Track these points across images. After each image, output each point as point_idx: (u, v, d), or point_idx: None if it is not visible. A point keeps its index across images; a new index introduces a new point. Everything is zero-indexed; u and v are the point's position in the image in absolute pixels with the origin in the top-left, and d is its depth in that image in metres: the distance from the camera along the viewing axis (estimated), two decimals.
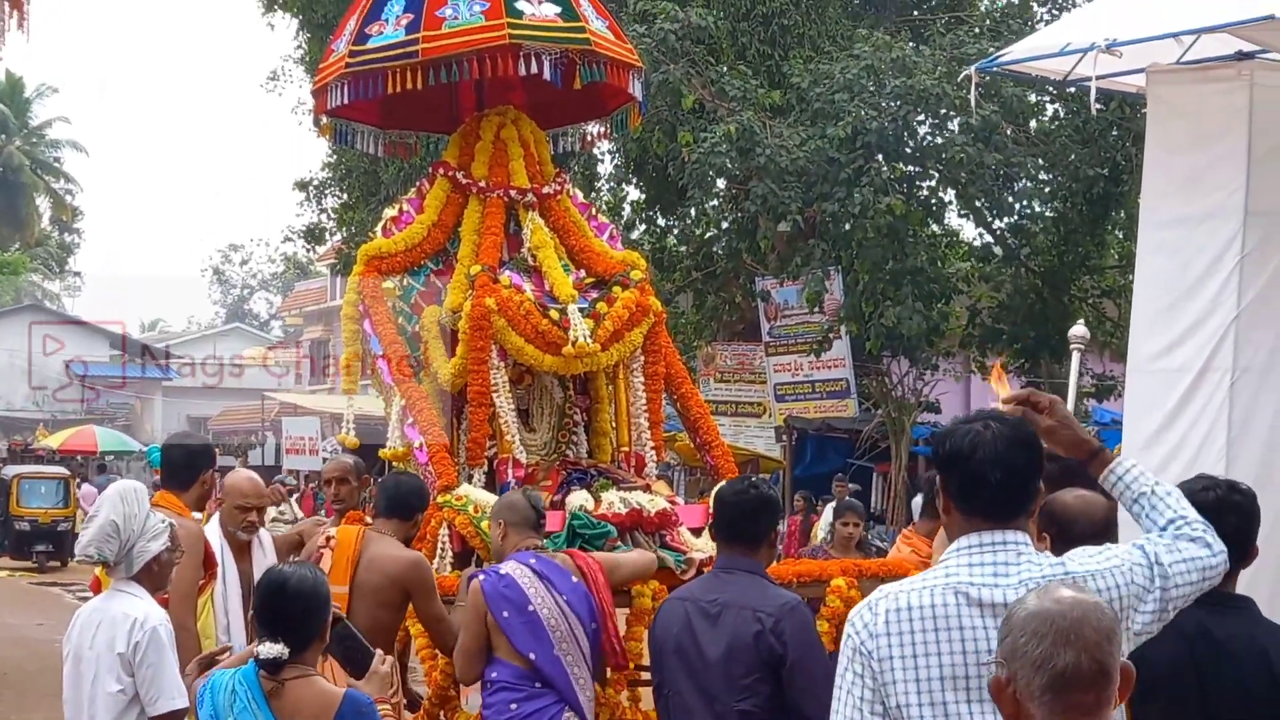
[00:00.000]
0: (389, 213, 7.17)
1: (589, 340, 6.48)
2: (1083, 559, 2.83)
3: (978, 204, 17.43)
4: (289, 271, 58.72)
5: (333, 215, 22.44)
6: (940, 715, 2.68)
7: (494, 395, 6.44)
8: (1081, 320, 6.32)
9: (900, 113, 15.07)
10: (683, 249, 19.93)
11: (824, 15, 17.71)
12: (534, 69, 6.68)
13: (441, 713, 5.51)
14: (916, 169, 16.56)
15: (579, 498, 6.29)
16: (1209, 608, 3.36)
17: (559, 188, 7.16)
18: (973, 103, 7.95)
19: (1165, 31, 5.30)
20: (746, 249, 17.23)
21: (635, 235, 19.43)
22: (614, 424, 7.07)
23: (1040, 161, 16.42)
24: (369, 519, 5.82)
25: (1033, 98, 16.97)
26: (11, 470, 24.89)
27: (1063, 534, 3.48)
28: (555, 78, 6.79)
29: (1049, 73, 6.10)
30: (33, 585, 20.80)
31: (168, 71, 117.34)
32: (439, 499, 5.96)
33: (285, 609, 3.62)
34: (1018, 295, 17.25)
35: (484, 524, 5.66)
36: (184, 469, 5.43)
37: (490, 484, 6.32)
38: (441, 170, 7.06)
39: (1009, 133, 15.69)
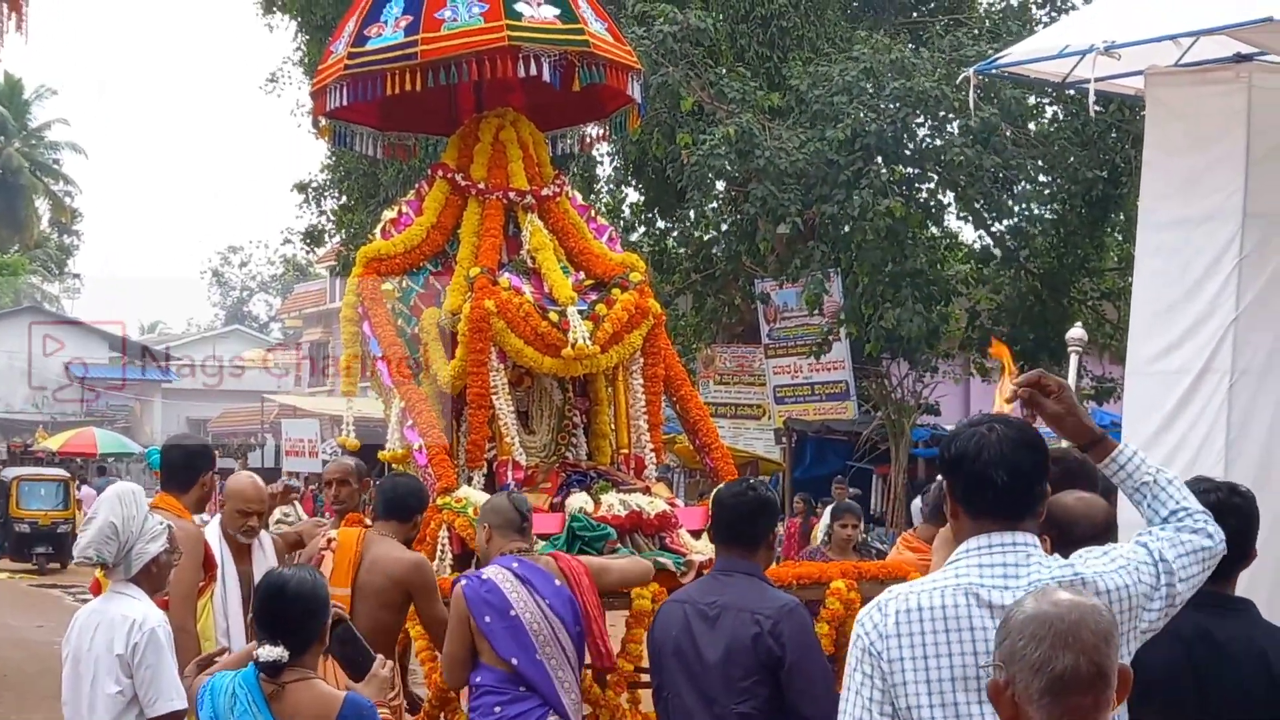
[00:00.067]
0: (388, 215, 7.16)
1: (588, 342, 6.48)
2: (1090, 560, 2.84)
3: (977, 206, 17.44)
4: (288, 273, 58.71)
5: (332, 217, 22.44)
6: (951, 716, 2.68)
7: (493, 397, 6.43)
8: (1080, 323, 6.31)
9: (899, 115, 15.08)
10: (682, 251, 19.93)
11: (823, 17, 17.72)
12: (533, 71, 6.68)
13: (441, 714, 5.51)
14: (916, 171, 16.57)
15: (578, 500, 6.29)
16: (1208, 610, 3.37)
17: (558, 190, 7.16)
18: (971, 105, 7.93)
19: (1164, 34, 5.30)
20: (746, 251, 17.24)
21: (634, 237, 19.43)
22: (613, 426, 7.07)
23: (1039, 163, 16.44)
24: (368, 521, 5.82)
25: (1032, 100, 16.99)
26: (11, 472, 24.89)
27: (1063, 535, 3.48)
28: (554, 79, 6.79)
29: (1048, 75, 6.10)
30: (32, 587, 20.79)
31: (167, 73, 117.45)
32: (438, 501, 5.96)
33: (284, 612, 3.62)
34: (1017, 297, 17.27)
35: None
36: (183, 471, 5.43)
37: (490, 486, 6.32)
38: (440, 172, 7.06)
39: (1008, 135, 15.71)
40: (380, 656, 3.97)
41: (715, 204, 18.00)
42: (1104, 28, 5.28)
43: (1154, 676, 3.11)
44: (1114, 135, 15.88)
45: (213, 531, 5.59)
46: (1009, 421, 2.91)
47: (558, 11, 6.77)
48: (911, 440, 17.70)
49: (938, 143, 15.97)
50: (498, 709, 4.85)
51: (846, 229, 15.13)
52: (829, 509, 10.08)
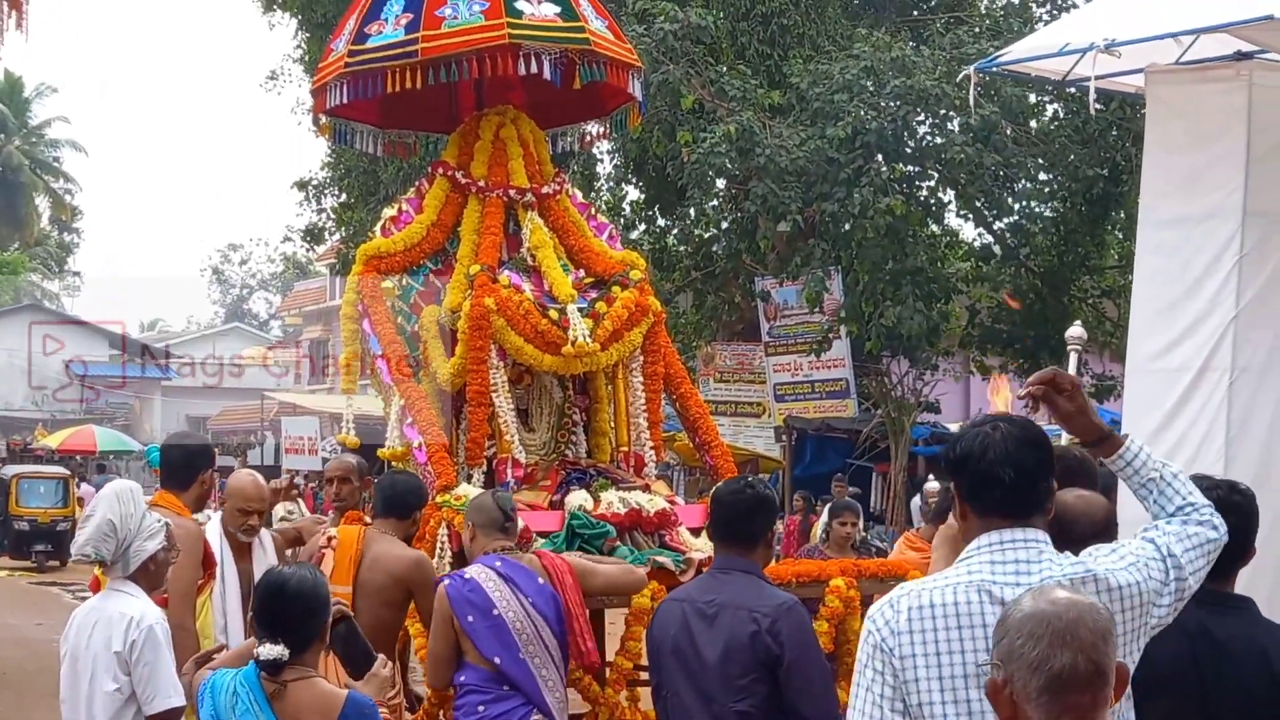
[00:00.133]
0: (388, 212, 7.17)
1: (588, 340, 6.48)
2: (1100, 558, 2.85)
3: (977, 204, 17.44)
4: (288, 271, 58.75)
5: (332, 215, 22.43)
6: (964, 713, 2.68)
7: (493, 395, 6.43)
8: (1079, 321, 6.32)
9: (900, 113, 15.08)
10: (682, 249, 19.93)
11: (823, 15, 17.71)
12: (533, 69, 6.68)
13: (441, 713, 5.50)
14: (916, 169, 16.56)
15: (578, 498, 6.29)
16: (1209, 608, 3.37)
17: (558, 187, 7.16)
18: (972, 103, 7.95)
19: (1164, 31, 5.30)
20: (746, 249, 17.23)
21: (635, 235, 19.43)
22: (613, 424, 7.07)
23: (1040, 161, 16.43)
24: (368, 519, 5.82)
25: (1032, 98, 16.98)
26: (11, 470, 24.90)
27: (1063, 533, 3.47)
28: (555, 77, 6.79)
29: (1048, 73, 6.10)
30: (32, 585, 20.80)
31: (167, 71, 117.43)
32: (438, 499, 5.96)
33: (285, 610, 3.61)
34: (1017, 295, 17.26)
35: None
36: (183, 469, 5.43)
37: (489, 484, 6.32)
38: (441, 170, 7.06)
39: (1009, 133, 15.70)
40: (381, 656, 3.97)
41: (716, 202, 18.00)
42: (1104, 25, 5.28)
43: (1158, 673, 3.12)
44: (1114, 133, 15.88)
45: (213, 529, 5.60)
46: (1013, 420, 2.93)
47: (558, 9, 6.77)
48: (911, 438, 17.69)
49: (938, 141, 15.97)
50: (481, 708, 4.84)
51: (847, 227, 15.13)
52: (827, 507, 10.08)
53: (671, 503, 6.63)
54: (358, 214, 20.25)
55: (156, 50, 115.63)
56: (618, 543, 6.17)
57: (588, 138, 8.03)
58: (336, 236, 22.96)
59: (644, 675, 5.25)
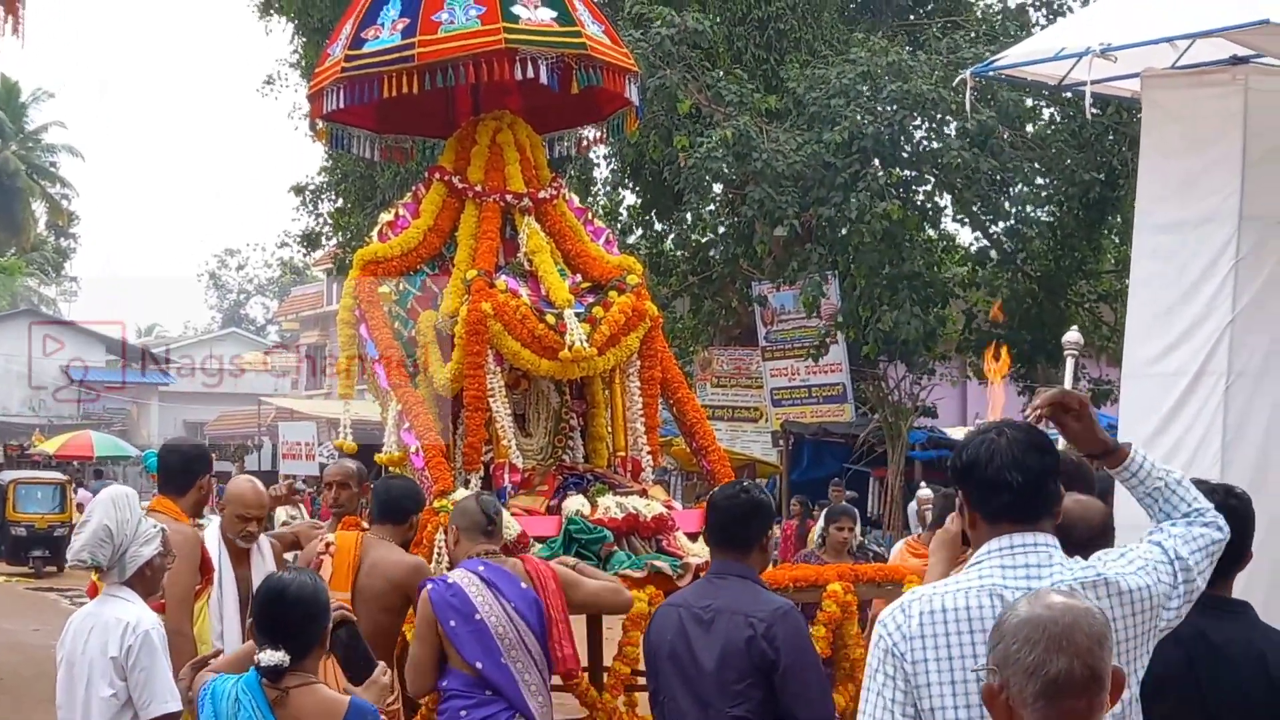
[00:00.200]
0: (385, 217, 7.17)
1: (585, 345, 6.47)
2: (1110, 562, 2.86)
3: (974, 208, 17.46)
4: (285, 276, 58.70)
5: (329, 220, 22.42)
6: (976, 718, 2.67)
7: (490, 400, 6.43)
8: (1075, 326, 6.33)
9: (896, 117, 15.10)
10: (679, 253, 19.93)
11: (820, 20, 17.73)
12: (530, 73, 6.68)
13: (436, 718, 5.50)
14: (913, 174, 16.59)
15: (575, 503, 6.29)
16: (1207, 612, 3.36)
17: (555, 192, 7.16)
18: (968, 107, 7.93)
19: (1160, 36, 5.31)
20: (743, 254, 17.24)
21: (631, 240, 19.43)
22: (610, 429, 7.06)
23: (1036, 166, 16.45)
24: (365, 525, 5.81)
25: (1029, 102, 17.00)
26: (8, 475, 24.87)
27: (1062, 538, 3.46)
28: (551, 82, 6.79)
29: (1044, 77, 6.10)
30: (29, 591, 20.77)
31: (163, 76, 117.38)
32: (435, 504, 5.95)
33: (285, 616, 3.60)
34: (1014, 300, 17.27)
35: None
36: (180, 474, 5.41)
37: (487, 489, 6.31)
38: (438, 175, 7.06)
39: (1005, 137, 15.73)
40: (381, 664, 3.96)
41: (712, 206, 18.00)
42: (1101, 30, 5.28)
43: (1155, 677, 3.11)
44: (1111, 138, 15.90)
45: (212, 534, 5.58)
46: (1016, 425, 2.94)
47: (555, 14, 6.77)
48: (908, 443, 17.70)
49: (935, 145, 15.99)
50: (464, 713, 4.82)
51: (844, 231, 15.15)
52: (824, 512, 10.07)
53: (669, 507, 6.63)
54: (355, 219, 20.25)
55: (152, 55, 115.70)
56: (615, 548, 6.17)
57: (584, 142, 8.04)
58: (333, 241, 22.97)
59: (641, 680, 5.25)
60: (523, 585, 4.96)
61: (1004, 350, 3.51)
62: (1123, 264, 17.35)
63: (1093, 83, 5.30)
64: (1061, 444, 3.71)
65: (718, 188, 16.88)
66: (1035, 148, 16.39)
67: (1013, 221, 17.45)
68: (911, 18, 19.71)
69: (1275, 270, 5.39)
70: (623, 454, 6.92)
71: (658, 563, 6.05)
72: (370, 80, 6.70)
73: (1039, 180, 16.90)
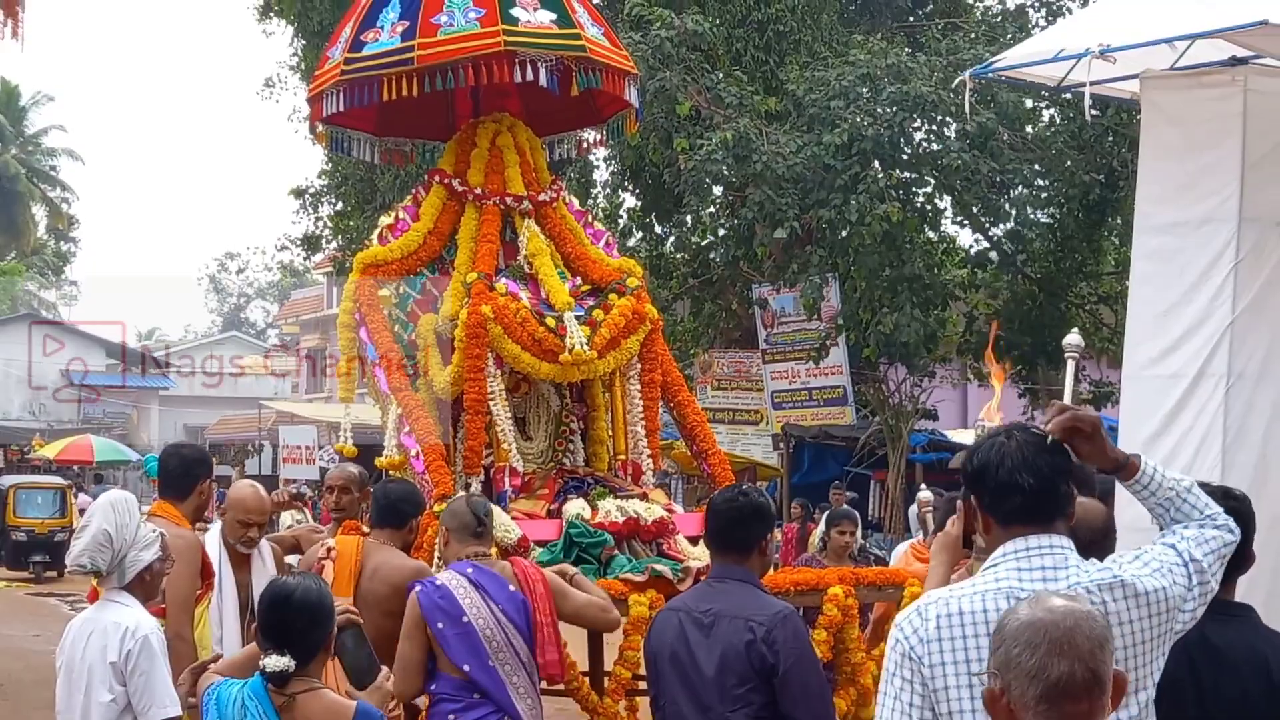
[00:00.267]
0: (385, 220, 7.17)
1: (585, 348, 6.47)
2: (1126, 564, 2.86)
3: (974, 210, 17.44)
4: (285, 280, 58.71)
5: (329, 223, 22.41)
6: None
7: (490, 403, 6.43)
8: (1076, 328, 6.32)
9: (896, 119, 15.09)
10: (679, 256, 19.93)
11: (819, 22, 17.72)
12: (529, 76, 6.68)
13: None
14: (913, 175, 16.57)
15: (576, 506, 6.28)
16: (1209, 615, 3.36)
17: (555, 195, 7.16)
18: (968, 109, 7.93)
19: (1159, 37, 5.31)
20: (743, 256, 17.23)
21: (631, 242, 19.42)
22: (611, 432, 7.06)
23: (1036, 167, 16.43)
24: (365, 529, 5.80)
25: (1029, 104, 16.99)
26: (8, 480, 24.86)
27: None
28: (551, 84, 6.79)
29: (1044, 79, 6.10)
30: (29, 596, 20.74)
31: (163, 79, 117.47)
32: (435, 508, 5.95)
33: (290, 621, 3.59)
34: (1014, 302, 17.26)
35: None
36: (181, 478, 5.40)
37: (487, 492, 6.31)
38: (437, 177, 7.06)
39: (1005, 139, 15.72)
40: (385, 669, 3.96)
41: (712, 209, 18.01)
42: (1100, 31, 5.28)
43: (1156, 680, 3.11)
44: (1110, 139, 15.89)
45: (212, 539, 5.58)
46: (1025, 428, 2.95)
47: (554, 16, 6.77)
48: (909, 445, 17.69)
49: (934, 147, 15.97)
50: (452, 717, 4.81)
51: (844, 234, 15.14)
52: (825, 515, 10.07)
53: (669, 511, 6.63)
54: (354, 222, 20.25)
55: (152, 58, 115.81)
56: (615, 551, 6.17)
57: (584, 145, 8.05)
58: (333, 245, 22.95)
59: (642, 685, 5.24)
60: (510, 588, 4.94)
61: (1005, 364, 3.48)
62: (1123, 265, 17.35)
63: (1092, 84, 5.30)
64: None
65: (718, 190, 16.88)
66: (1035, 149, 16.38)
67: (1013, 223, 17.43)
68: (911, 19, 19.71)
69: (1275, 271, 5.38)
70: (623, 457, 6.92)
71: (658, 566, 6.04)
72: (370, 83, 6.70)
73: (1039, 182, 16.88)
